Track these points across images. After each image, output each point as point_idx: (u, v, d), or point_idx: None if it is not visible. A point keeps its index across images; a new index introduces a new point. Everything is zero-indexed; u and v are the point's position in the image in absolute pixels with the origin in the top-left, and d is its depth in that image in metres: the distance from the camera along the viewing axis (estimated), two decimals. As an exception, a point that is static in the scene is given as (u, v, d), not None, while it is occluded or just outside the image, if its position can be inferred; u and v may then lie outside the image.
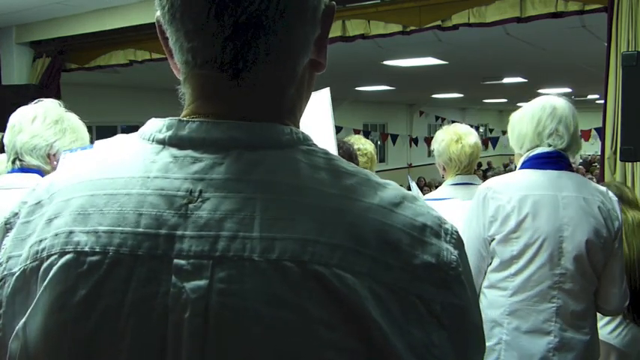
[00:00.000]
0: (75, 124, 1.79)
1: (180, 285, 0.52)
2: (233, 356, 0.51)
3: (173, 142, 0.58)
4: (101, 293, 0.53)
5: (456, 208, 2.47)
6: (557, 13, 3.78)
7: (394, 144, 15.71)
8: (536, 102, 1.93)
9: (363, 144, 2.78)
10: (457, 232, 0.59)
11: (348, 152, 2.31)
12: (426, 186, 12.46)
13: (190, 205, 0.54)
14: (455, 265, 0.57)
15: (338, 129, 15.09)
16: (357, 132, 11.92)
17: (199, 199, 0.54)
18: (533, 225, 1.79)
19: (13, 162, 1.71)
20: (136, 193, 0.56)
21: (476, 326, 0.59)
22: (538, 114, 1.88)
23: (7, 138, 1.71)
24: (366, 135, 13.09)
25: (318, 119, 2.02)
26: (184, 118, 0.59)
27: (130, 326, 0.53)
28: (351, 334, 0.51)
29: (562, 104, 1.89)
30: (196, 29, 0.57)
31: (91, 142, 1.71)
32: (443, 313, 0.55)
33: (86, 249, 0.55)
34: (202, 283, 0.52)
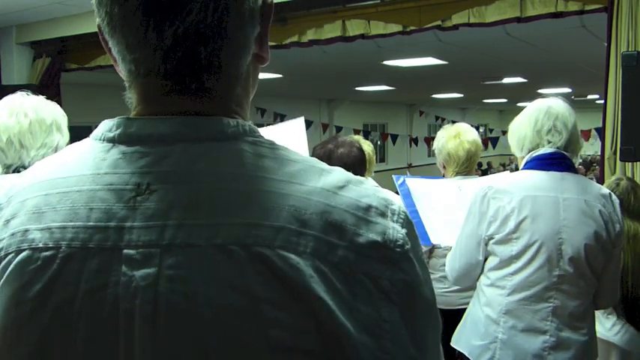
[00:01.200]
0: (57, 115, 1.71)
1: (130, 274, 0.54)
2: (184, 340, 0.53)
3: (122, 139, 0.60)
4: (55, 287, 0.55)
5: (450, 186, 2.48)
6: (557, 13, 3.78)
7: (394, 144, 15.71)
8: (532, 105, 1.95)
9: (362, 144, 2.79)
10: (405, 212, 0.61)
11: (354, 154, 2.29)
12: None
13: (138, 198, 0.56)
14: (402, 242, 0.58)
15: (338, 129, 15.01)
16: (357, 132, 11.92)
17: (147, 192, 0.56)
18: (532, 227, 1.79)
19: (16, 170, 1.64)
20: (86, 189, 0.58)
21: (427, 301, 0.60)
22: (535, 114, 1.90)
23: (9, 154, 1.63)
24: (366, 135, 13.09)
25: (291, 145, 2.07)
26: (132, 117, 0.62)
27: (83, 317, 0.55)
28: (298, 313, 0.53)
29: (557, 103, 1.91)
30: (137, 42, 0.58)
31: None
32: (392, 289, 0.56)
33: (40, 245, 0.57)
34: (151, 270, 0.54)
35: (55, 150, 1.73)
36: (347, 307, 0.54)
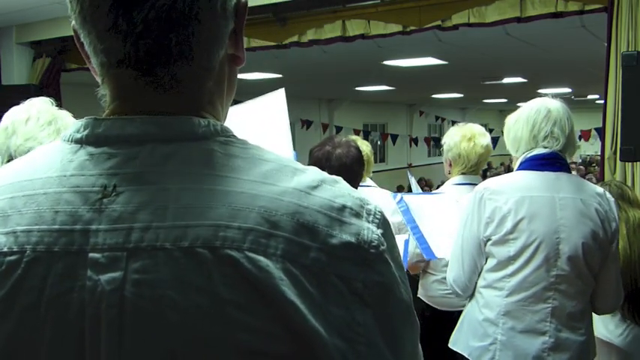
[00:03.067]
0: (68, 123, 1.74)
1: (95, 278, 0.53)
2: (150, 345, 0.52)
3: (90, 140, 0.59)
4: (19, 292, 0.54)
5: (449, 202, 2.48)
6: (557, 13, 3.78)
7: (394, 144, 15.71)
8: (530, 105, 1.93)
9: (359, 145, 2.80)
10: (381, 212, 0.60)
11: (352, 154, 2.30)
12: (427, 186, 12.46)
13: (104, 200, 0.55)
14: (376, 243, 0.57)
15: (338, 129, 15.00)
16: (357, 132, 11.93)
17: (113, 193, 0.55)
18: (529, 227, 1.79)
19: (9, 161, 1.69)
20: (52, 192, 0.57)
21: (403, 302, 0.59)
22: (533, 117, 1.88)
23: (0, 140, 1.68)
24: (366, 135, 13.09)
25: (272, 118, 2.05)
26: (100, 117, 0.60)
27: (48, 322, 0.53)
28: (268, 317, 0.51)
29: (556, 106, 1.90)
30: (107, 29, 0.57)
31: None
32: (365, 291, 0.55)
33: (5, 249, 0.55)
34: (117, 274, 0.53)
35: None
36: (319, 310, 0.53)
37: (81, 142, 0.59)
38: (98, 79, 0.63)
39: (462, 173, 2.69)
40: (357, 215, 0.57)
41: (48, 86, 5.57)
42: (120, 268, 0.53)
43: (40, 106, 1.72)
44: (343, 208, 0.57)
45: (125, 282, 0.52)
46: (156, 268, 0.52)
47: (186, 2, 0.57)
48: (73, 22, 0.61)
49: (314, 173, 0.59)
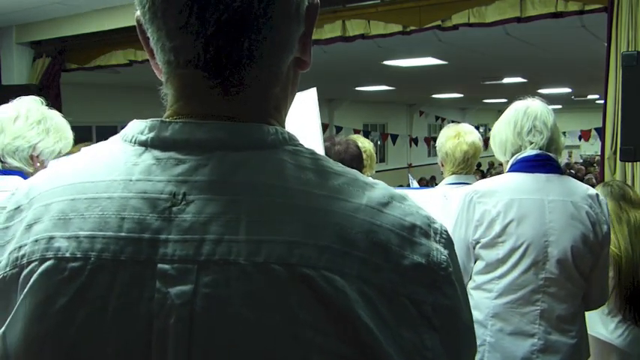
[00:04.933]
0: (58, 122, 1.72)
1: (164, 290, 0.51)
2: None
3: (155, 143, 0.57)
4: (83, 300, 0.52)
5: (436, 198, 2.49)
6: (557, 13, 3.78)
7: (394, 144, 15.71)
8: (509, 109, 1.96)
9: (362, 142, 2.82)
10: (447, 231, 0.58)
11: (351, 150, 2.30)
12: (427, 186, 12.46)
13: (174, 209, 0.53)
14: (445, 265, 0.56)
15: (338, 129, 15.00)
16: (357, 132, 11.92)
17: (183, 202, 0.53)
18: (517, 230, 1.78)
19: None
20: (117, 196, 0.55)
21: (467, 326, 0.58)
22: (513, 117, 1.90)
23: None
24: (366, 135, 13.08)
25: (304, 119, 2.04)
26: (167, 119, 0.58)
27: (113, 332, 0.51)
28: (340, 338, 0.50)
29: (535, 104, 1.91)
30: (178, 28, 0.55)
31: (93, 142, 1.68)
32: (434, 315, 0.54)
33: (67, 255, 0.53)
34: (187, 288, 0.51)
35: (54, 153, 1.71)
36: (390, 333, 0.51)
37: (146, 144, 0.57)
38: (162, 78, 0.61)
39: (454, 172, 2.71)
40: (426, 235, 0.56)
41: (48, 86, 5.57)
42: (190, 281, 0.51)
43: (29, 105, 1.68)
44: (413, 227, 0.55)
45: (196, 296, 0.50)
46: (228, 283, 0.50)
47: (262, 5, 0.55)
48: (139, 15, 0.59)
49: (383, 188, 0.58)
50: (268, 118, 0.60)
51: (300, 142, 0.60)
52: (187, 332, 0.50)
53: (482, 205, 1.83)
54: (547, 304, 1.79)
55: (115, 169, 0.57)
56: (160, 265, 0.52)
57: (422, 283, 0.54)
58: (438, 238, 0.57)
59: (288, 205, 0.53)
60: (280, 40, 0.58)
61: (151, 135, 0.57)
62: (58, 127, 1.72)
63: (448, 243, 0.58)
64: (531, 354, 1.78)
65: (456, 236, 1.89)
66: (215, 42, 0.55)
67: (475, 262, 1.90)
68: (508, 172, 1.90)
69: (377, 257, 0.52)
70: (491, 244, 1.82)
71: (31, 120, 1.66)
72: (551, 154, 1.86)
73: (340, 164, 0.60)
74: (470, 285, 1.91)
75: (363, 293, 0.51)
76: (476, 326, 1.83)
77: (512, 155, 1.90)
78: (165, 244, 0.52)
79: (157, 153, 0.56)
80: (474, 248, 1.87)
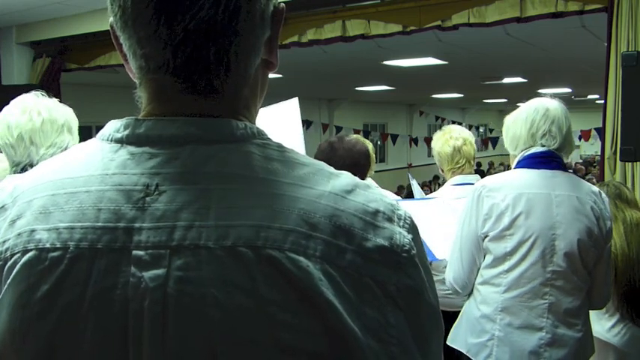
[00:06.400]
0: (69, 117, 1.72)
1: (139, 275, 0.54)
2: (192, 341, 0.53)
3: (130, 140, 0.60)
4: (63, 288, 0.55)
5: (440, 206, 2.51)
6: (557, 13, 3.78)
7: (394, 144, 15.71)
8: (529, 104, 1.97)
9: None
10: (411, 217, 0.61)
11: (359, 147, 2.29)
12: (426, 186, 12.46)
13: (147, 199, 0.56)
14: (408, 247, 0.58)
15: (338, 129, 14.99)
16: (357, 132, 11.92)
17: (156, 192, 0.56)
18: (526, 223, 1.81)
19: (24, 169, 1.62)
20: (95, 189, 0.58)
21: (431, 306, 0.61)
22: (532, 116, 1.92)
23: (18, 150, 1.63)
24: (366, 135, 13.09)
25: (286, 128, 2.06)
26: (141, 118, 0.61)
27: (91, 318, 0.54)
28: (307, 316, 0.53)
29: (555, 106, 1.93)
30: (148, 36, 0.58)
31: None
32: (398, 295, 0.57)
33: (47, 245, 0.56)
34: (160, 271, 0.53)
35: (65, 150, 1.71)
36: (355, 311, 0.54)
37: (121, 141, 0.60)
38: (136, 81, 0.64)
39: (452, 172, 2.74)
40: (390, 219, 0.59)
41: (48, 86, 5.56)
42: (163, 265, 0.54)
43: (48, 105, 1.68)
44: (377, 212, 0.58)
45: (168, 279, 0.53)
46: (199, 266, 0.53)
47: (226, 14, 0.58)
48: (112, 21, 0.62)
49: (348, 178, 0.61)
50: (238, 115, 0.63)
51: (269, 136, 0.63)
52: (161, 313, 0.53)
53: (490, 199, 1.86)
54: (555, 297, 1.81)
55: (93, 166, 0.60)
56: (134, 252, 0.55)
57: (385, 265, 0.56)
58: (402, 224, 0.59)
59: (256, 193, 0.56)
60: (246, 44, 0.61)
61: (126, 132, 0.60)
62: (70, 121, 1.73)
63: (412, 228, 0.60)
64: (539, 348, 1.80)
65: (466, 230, 1.92)
66: (183, 49, 0.58)
67: (484, 257, 1.92)
68: (515, 167, 1.94)
69: (340, 239, 0.55)
70: (500, 237, 1.84)
71: (56, 126, 1.66)
72: (556, 152, 1.90)
73: (307, 156, 0.63)
74: (477, 280, 1.93)
75: (327, 273, 0.54)
76: (484, 321, 1.86)
77: (522, 151, 1.94)
78: (139, 231, 0.55)
79: (132, 149, 0.59)
80: (482, 241, 1.89)
